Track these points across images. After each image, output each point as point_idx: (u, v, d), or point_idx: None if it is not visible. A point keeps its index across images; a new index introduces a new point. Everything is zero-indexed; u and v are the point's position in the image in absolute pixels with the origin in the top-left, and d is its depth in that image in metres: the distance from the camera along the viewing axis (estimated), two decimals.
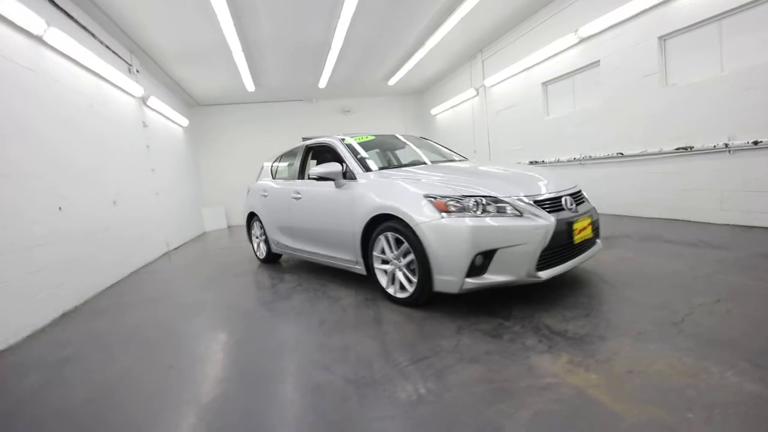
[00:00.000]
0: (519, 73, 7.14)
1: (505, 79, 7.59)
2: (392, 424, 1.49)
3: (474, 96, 8.82)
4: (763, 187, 3.79)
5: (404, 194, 2.66)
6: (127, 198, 5.31)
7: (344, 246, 3.25)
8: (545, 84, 6.62)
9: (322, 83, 9.26)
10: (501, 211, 2.38)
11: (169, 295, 3.86)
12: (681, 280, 2.72)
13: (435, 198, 2.48)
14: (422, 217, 2.47)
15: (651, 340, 1.94)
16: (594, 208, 2.86)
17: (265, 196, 4.56)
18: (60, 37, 3.92)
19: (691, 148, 4.35)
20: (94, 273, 4.20)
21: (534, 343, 2.02)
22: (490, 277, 2.33)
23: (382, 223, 2.84)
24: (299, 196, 3.83)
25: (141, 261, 5.62)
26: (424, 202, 2.50)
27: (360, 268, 3.17)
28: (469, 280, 2.34)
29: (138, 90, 6.01)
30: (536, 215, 2.38)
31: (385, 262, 2.90)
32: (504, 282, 2.33)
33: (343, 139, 3.66)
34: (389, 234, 2.76)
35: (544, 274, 2.37)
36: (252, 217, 5.02)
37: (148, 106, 6.69)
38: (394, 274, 2.82)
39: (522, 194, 2.47)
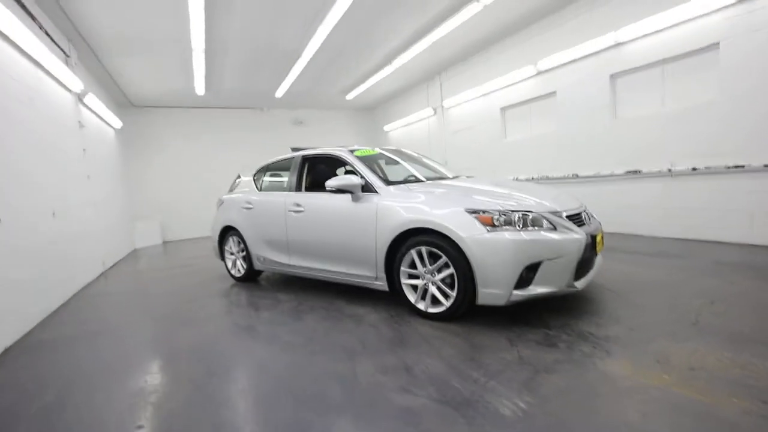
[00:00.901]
0: (478, 97, 7.66)
1: (464, 102, 8.08)
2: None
3: (431, 115, 9.23)
4: (699, 205, 4.54)
5: (443, 208, 2.67)
6: (65, 209, 4.50)
7: (363, 261, 3.13)
8: (504, 109, 7.21)
9: (280, 92, 8.93)
10: (537, 225, 2.51)
11: (136, 323, 3.33)
12: (668, 286, 3.12)
13: (479, 212, 2.53)
14: (468, 231, 2.50)
15: (685, 339, 2.19)
16: (600, 222, 3.17)
17: (250, 208, 4.22)
18: (3, 14, 3.26)
19: (639, 171, 5.07)
20: (39, 297, 3.48)
21: (591, 350, 2.15)
22: (535, 289, 2.44)
23: (410, 237, 2.82)
24: (301, 209, 3.62)
25: (80, 282, 4.78)
26: (467, 217, 2.54)
27: (381, 284, 3.08)
28: (516, 292, 2.42)
29: (77, 84, 5.19)
30: (569, 229, 2.56)
31: (412, 276, 2.86)
32: (547, 293, 2.45)
33: (352, 151, 3.57)
34: (423, 248, 2.73)
35: (579, 284, 2.55)
36: (226, 232, 4.59)
37: (84, 104, 5.80)
38: (425, 289, 2.79)
39: (553, 209, 2.64)
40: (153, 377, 2.27)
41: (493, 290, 2.45)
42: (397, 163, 3.97)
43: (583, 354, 2.12)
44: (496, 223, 2.47)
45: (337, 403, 1.82)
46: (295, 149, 4.43)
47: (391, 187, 3.10)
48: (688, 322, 2.41)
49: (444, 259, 2.63)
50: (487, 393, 1.81)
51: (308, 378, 2.10)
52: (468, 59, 7.78)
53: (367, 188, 3.18)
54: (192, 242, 9.22)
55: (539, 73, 6.27)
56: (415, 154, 4.27)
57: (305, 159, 3.96)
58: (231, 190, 4.84)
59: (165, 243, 9.53)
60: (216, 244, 4.77)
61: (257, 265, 4.24)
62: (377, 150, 3.85)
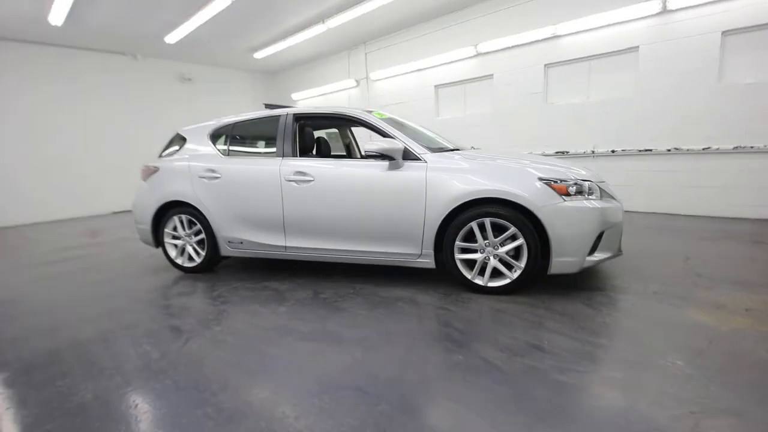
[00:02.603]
0: (411, 72, 7.61)
1: (394, 76, 7.92)
2: (713, 390, 1.51)
3: (353, 87, 8.79)
4: (614, 181, 5.50)
5: (514, 178, 2.55)
6: None
7: (404, 237, 2.78)
8: (438, 87, 7.34)
9: (173, 38, 7.16)
10: (594, 194, 2.62)
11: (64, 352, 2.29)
12: (638, 248, 3.68)
13: (553, 181, 2.50)
14: (545, 200, 2.45)
15: (707, 288, 2.62)
16: None
17: (215, 178, 3.28)
18: None
19: (567, 152, 5.86)
20: None
21: (660, 306, 2.38)
22: (599, 255, 2.55)
23: (464, 210, 2.62)
24: (308, 178, 2.97)
25: None
26: (542, 186, 2.48)
27: (426, 262, 2.80)
28: (588, 258, 2.50)
29: None
30: (613, 197, 2.76)
31: (465, 251, 2.68)
32: (606, 258, 2.60)
33: (370, 112, 3.09)
34: (487, 220, 2.57)
35: (622, 248, 2.80)
36: (167, 209, 3.50)
37: None
38: (485, 263, 2.65)
39: (599, 179, 2.80)
40: None
41: (569, 258, 2.48)
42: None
43: (659, 309, 2.33)
44: (570, 192, 2.49)
45: (520, 398, 1.57)
46: (270, 106, 3.60)
47: (436, 155, 2.82)
48: (693, 275, 2.89)
49: (513, 229, 2.52)
50: (636, 356, 1.82)
51: (443, 377, 1.76)
52: (400, 32, 7.61)
53: (405, 155, 2.80)
54: (43, 227, 6.81)
55: (479, 54, 6.56)
56: (412, 123, 3.97)
57: (298, 119, 3.26)
58: (164, 155, 3.69)
59: None
60: (148, 226, 3.58)
61: (226, 251, 3.36)
62: (386, 115, 3.43)
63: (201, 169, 3.35)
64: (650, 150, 5.13)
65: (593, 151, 5.62)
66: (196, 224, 3.41)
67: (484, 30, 6.37)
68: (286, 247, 3.14)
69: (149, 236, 3.62)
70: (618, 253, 2.72)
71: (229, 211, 3.26)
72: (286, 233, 3.12)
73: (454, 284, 2.86)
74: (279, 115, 3.30)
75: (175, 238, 3.55)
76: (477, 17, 6.45)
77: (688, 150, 4.87)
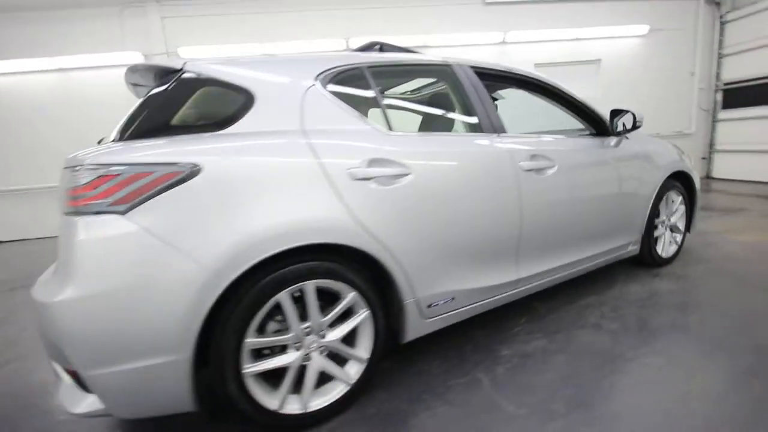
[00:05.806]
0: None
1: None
2: None
3: None
4: None
5: (675, 151, 2.82)
6: None
7: (625, 226, 2.46)
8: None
9: None
10: None
11: None
12: None
13: None
14: None
15: None
16: None
17: (400, 177, 1.51)
18: None
19: None
20: None
21: None
22: None
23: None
24: (550, 163, 1.96)
25: None
26: None
27: (635, 249, 2.59)
28: None
29: None
30: None
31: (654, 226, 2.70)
32: None
33: None
34: (673, 191, 2.72)
35: None
36: (249, 284, 1.26)
37: None
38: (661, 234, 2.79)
39: None
40: None
41: None
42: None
43: None
44: None
45: None
46: (380, 46, 1.88)
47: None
48: None
49: (680, 198, 2.80)
50: None
51: None
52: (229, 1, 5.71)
53: None
54: None
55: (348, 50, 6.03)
56: None
57: (482, 75, 2.01)
58: (123, 138, 1.29)
59: None
60: (185, 352, 1.14)
61: (419, 327, 1.62)
62: None
63: (359, 163, 1.43)
64: None
65: None
66: (341, 297, 1.42)
67: (355, 24, 5.94)
68: (518, 280, 1.92)
69: (184, 379, 1.16)
70: None
71: (431, 242, 1.59)
72: (519, 257, 1.91)
73: (630, 267, 2.77)
74: (450, 65, 1.93)
75: (266, 350, 1.33)
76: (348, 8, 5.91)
77: None
